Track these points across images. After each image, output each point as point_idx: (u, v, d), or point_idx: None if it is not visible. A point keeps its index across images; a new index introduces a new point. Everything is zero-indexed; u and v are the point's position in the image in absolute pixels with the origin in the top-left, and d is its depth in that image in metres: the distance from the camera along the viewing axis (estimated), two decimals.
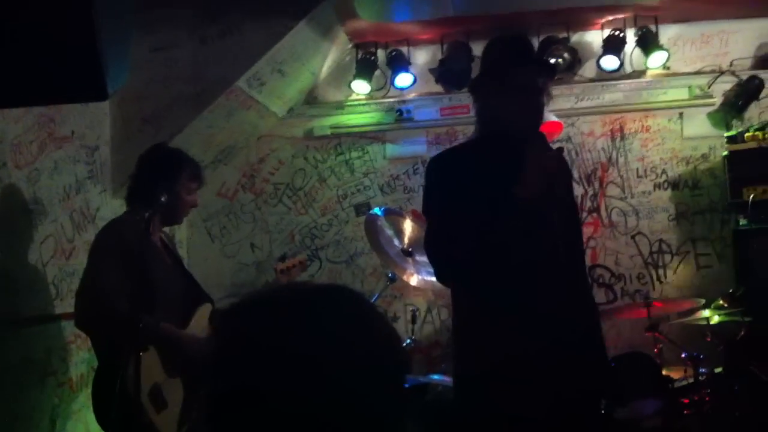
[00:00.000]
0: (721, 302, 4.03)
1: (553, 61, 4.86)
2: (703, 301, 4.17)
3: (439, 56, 5.15)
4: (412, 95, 5.30)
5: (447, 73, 5.12)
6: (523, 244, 2.44)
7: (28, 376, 3.59)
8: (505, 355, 2.44)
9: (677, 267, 5.09)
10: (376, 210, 4.48)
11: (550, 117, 4.54)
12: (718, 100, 5.09)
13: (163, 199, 3.06)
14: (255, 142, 5.36)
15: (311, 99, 5.39)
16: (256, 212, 5.35)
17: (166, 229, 3.52)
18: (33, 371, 3.62)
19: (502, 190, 2.42)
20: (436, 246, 2.58)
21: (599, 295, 4.90)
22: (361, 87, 5.18)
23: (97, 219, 4.15)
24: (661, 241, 5.10)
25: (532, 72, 2.60)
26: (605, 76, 5.12)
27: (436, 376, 4.22)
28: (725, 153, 4.73)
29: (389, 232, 4.31)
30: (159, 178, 3.15)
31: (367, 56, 5.18)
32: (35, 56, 1.82)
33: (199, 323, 3.24)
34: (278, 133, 5.36)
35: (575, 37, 5.11)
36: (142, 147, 3.51)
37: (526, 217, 2.41)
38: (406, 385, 3.49)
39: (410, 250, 4.28)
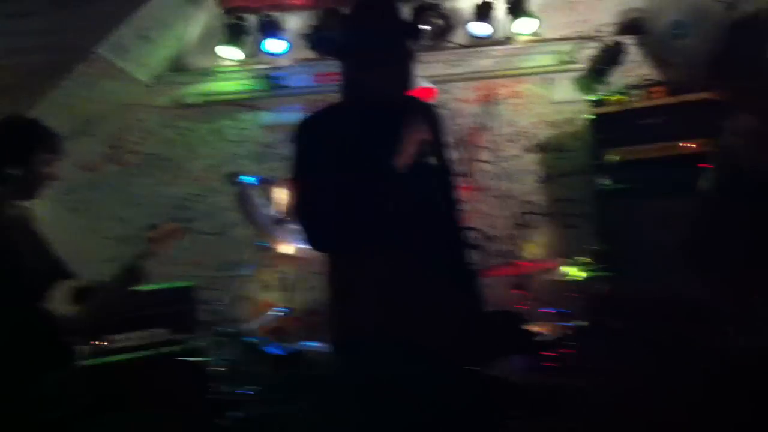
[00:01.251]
0: (585, 260, 4.17)
1: (426, 27, 4.87)
2: (569, 259, 4.30)
3: (313, 22, 5.06)
4: (285, 62, 5.19)
5: (321, 40, 5.04)
6: (400, 210, 2.42)
7: None
8: (381, 319, 2.43)
9: (545, 227, 5.25)
10: (248, 178, 4.38)
11: (423, 83, 4.55)
12: (583, 65, 5.23)
13: (16, 174, 2.89)
14: (121, 111, 5.12)
15: (180, 66, 5.19)
16: (123, 184, 5.13)
17: None
18: None
19: (374, 156, 2.39)
20: (309, 213, 2.52)
21: (472, 257, 4.97)
22: (230, 53, 5.03)
23: None
24: (530, 202, 5.23)
25: (398, 36, 2.56)
26: (477, 42, 5.17)
27: (313, 343, 4.20)
28: (590, 116, 4.87)
29: (261, 200, 4.23)
30: (11, 153, 2.96)
31: (237, 21, 5.03)
32: None
33: (57, 299, 3.09)
34: (145, 101, 5.15)
35: (447, 3, 5.12)
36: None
37: (401, 184, 2.39)
38: (283, 353, 3.42)
39: (283, 218, 4.21)
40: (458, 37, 5.20)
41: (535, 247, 5.18)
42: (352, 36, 2.59)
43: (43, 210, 4.86)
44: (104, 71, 4.64)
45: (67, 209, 5.05)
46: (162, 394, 3.80)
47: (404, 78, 2.54)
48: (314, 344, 4.15)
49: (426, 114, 2.61)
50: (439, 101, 5.11)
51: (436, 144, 2.57)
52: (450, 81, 5.22)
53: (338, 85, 2.59)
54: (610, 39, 5.17)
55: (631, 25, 5.22)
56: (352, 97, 2.58)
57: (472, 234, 5.06)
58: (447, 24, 5.09)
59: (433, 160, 2.52)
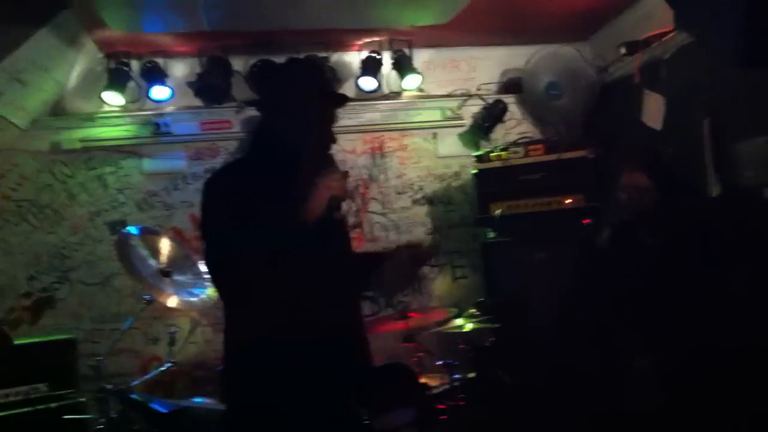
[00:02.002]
0: (472, 311, 4.27)
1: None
2: (456, 310, 4.39)
3: (198, 69, 5.01)
4: (169, 108, 5.10)
5: (206, 88, 4.99)
6: (306, 263, 2.42)
7: None
8: (279, 379, 2.42)
9: (436, 278, 5.35)
10: (130, 228, 4.24)
11: None
12: (467, 121, 5.44)
13: None
14: None
15: (59, 110, 4.99)
16: None
17: None
18: None
19: (288, 210, 2.40)
20: (222, 264, 2.48)
21: (364, 309, 5.00)
22: (113, 99, 4.89)
23: None
24: None
25: (325, 101, 2.64)
26: (365, 96, 5.27)
27: (198, 399, 4.08)
28: (474, 171, 5.04)
29: (144, 252, 4.10)
30: None
31: (120, 66, 4.91)
32: None
33: None
34: (21, 146, 4.91)
35: (335, 57, 5.20)
36: None
37: (311, 237, 2.40)
38: (165, 411, 3.30)
39: (168, 270, 4.10)
40: (347, 90, 5.27)
41: (428, 299, 5.27)
42: (283, 93, 2.62)
43: None
44: None
45: None
46: None
47: (328, 140, 2.63)
48: (201, 400, 4.03)
49: (336, 171, 2.65)
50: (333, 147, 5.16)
51: (341, 200, 2.61)
52: (339, 133, 5.24)
53: (232, 134, 2.60)
54: (492, 97, 5.40)
55: (510, 84, 5.48)
56: (266, 148, 2.58)
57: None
58: (336, 77, 5.17)
59: (337, 215, 2.55)
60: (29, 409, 3.95)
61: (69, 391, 4.15)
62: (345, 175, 2.57)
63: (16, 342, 3.94)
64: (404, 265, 2.72)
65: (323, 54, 5.09)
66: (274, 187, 2.46)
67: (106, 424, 3.76)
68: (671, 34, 4.18)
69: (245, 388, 2.49)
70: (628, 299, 3.41)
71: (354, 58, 5.26)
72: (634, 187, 3.49)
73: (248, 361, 2.48)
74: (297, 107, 2.58)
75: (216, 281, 2.55)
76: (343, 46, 5.23)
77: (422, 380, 4.05)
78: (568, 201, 4.67)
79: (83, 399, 4.17)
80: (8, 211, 4.87)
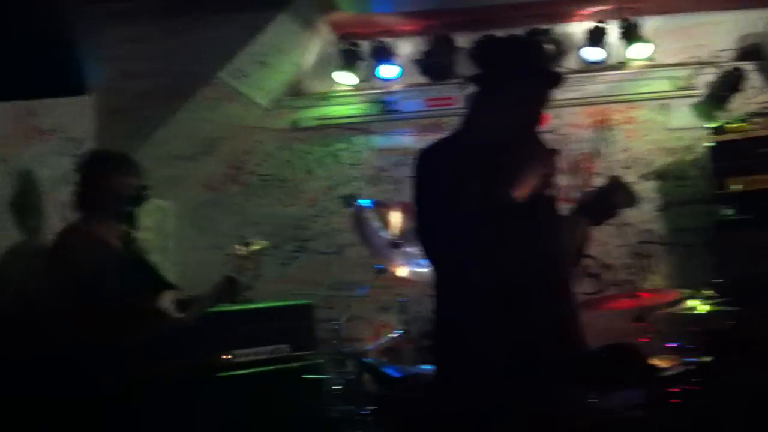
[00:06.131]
0: (707, 292, 4.07)
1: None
2: (689, 291, 4.20)
3: (423, 48, 5.14)
4: (396, 87, 5.29)
5: (431, 65, 5.12)
6: (512, 242, 2.44)
7: None
8: (485, 350, 2.44)
9: (664, 257, 5.15)
10: (364, 201, 4.47)
11: None
12: (701, 91, 5.14)
13: (96, 198, 3.24)
14: (241, 133, 5.31)
15: (296, 90, 5.36)
16: (244, 204, 5.32)
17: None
18: None
19: (494, 188, 2.42)
20: (429, 236, 2.58)
21: (587, 286, 4.94)
22: (345, 78, 5.17)
23: None
24: (648, 231, 5.14)
25: (540, 81, 2.63)
26: (589, 68, 5.15)
27: (427, 366, 4.23)
28: (709, 144, 4.77)
29: (377, 224, 4.30)
30: (90, 183, 3.31)
31: (351, 47, 5.17)
32: (18, 53, 1.81)
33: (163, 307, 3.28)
34: (264, 124, 5.34)
35: (558, 29, 5.11)
36: (124, 139, 3.53)
37: (519, 213, 2.42)
38: (398, 375, 3.48)
39: (399, 241, 4.27)
40: (570, 62, 5.18)
41: (654, 278, 5.09)
42: (495, 71, 2.64)
43: (171, 227, 5.14)
44: (225, 95, 4.85)
45: (193, 226, 5.28)
46: (286, 410, 3.93)
47: (536, 122, 2.61)
48: (429, 367, 4.18)
49: (547, 153, 2.64)
50: (551, 127, 5.11)
51: (551, 181, 2.59)
52: (562, 106, 5.20)
53: (456, 110, 2.65)
54: (729, 65, 5.06)
55: (750, 51, 5.10)
56: (478, 127, 2.62)
57: (588, 262, 5.06)
58: (559, 49, 5.08)
59: (547, 193, 2.54)
60: (274, 367, 4.22)
61: (308, 352, 4.43)
62: (554, 152, 2.56)
63: (261, 305, 4.34)
64: (615, 192, 2.68)
65: (546, 26, 5.03)
66: (482, 163, 2.47)
67: (343, 385, 4.01)
68: None
69: (452, 363, 2.54)
70: None
71: (577, 28, 5.14)
72: None
73: (454, 335, 2.52)
74: (509, 85, 2.56)
75: (425, 252, 2.61)
76: (567, 17, 5.13)
77: (652, 362, 3.93)
78: None
79: (321, 360, 4.44)
80: (254, 185, 5.33)
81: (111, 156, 3.43)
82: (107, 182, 3.27)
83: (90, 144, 4.30)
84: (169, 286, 3.40)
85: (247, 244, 3.67)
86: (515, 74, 2.58)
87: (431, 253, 2.61)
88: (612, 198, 2.70)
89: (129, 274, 3.25)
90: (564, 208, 2.73)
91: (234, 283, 3.42)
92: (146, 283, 3.33)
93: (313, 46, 5.20)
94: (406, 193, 5.22)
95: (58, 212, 3.96)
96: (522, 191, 2.40)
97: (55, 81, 1.81)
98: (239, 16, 4.40)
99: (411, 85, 5.30)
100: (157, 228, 4.98)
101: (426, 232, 2.58)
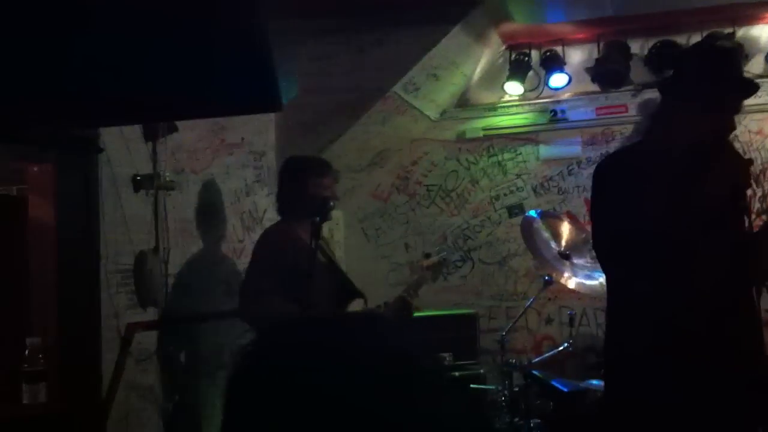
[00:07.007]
0: None
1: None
2: None
3: (595, 55, 5.04)
4: (566, 95, 5.22)
5: (604, 72, 5.01)
6: (702, 259, 2.38)
7: (200, 369, 3.84)
8: (660, 374, 2.39)
9: None
10: (532, 212, 4.46)
11: None
12: None
13: (299, 202, 3.40)
14: (408, 145, 5.46)
15: (463, 102, 5.42)
16: (410, 213, 5.45)
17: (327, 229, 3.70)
18: (205, 365, 3.87)
19: (683, 198, 2.37)
20: (608, 251, 2.55)
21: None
22: (514, 88, 5.17)
23: (264, 220, 4.38)
24: None
25: (737, 89, 2.56)
26: None
27: (594, 382, 4.15)
28: None
29: (546, 234, 4.28)
30: (289, 186, 3.51)
31: (521, 57, 5.16)
32: (215, 70, 1.96)
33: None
34: (431, 136, 5.44)
35: (741, 32, 4.85)
36: (304, 152, 3.75)
37: (707, 226, 2.35)
38: (566, 390, 3.44)
39: (567, 252, 4.23)
40: (755, 66, 4.89)
41: None
42: (690, 79, 2.58)
43: (341, 235, 5.36)
44: (396, 108, 5.00)
45: (362, 235, 5.48)
46: (450, 419, 3.97)
47: (728, 130, 2.56)
48: (597, 382, 4.10)
49: (743, 162, 2.54)
50: (733, 133, 4.84)
51: (744, 192, 2.48)
52: (745, 112, 4.91)
53: (628, 119, 2.60)
54: None
55: None
56: (667, 136, 2.56)
57: None
58: (742, 54, 4.82)
59: (740, 205, 2.44)
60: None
61: (471, 362, 4.48)
62: (749, 162, 2.47)
63: (425, 313, 4.41)
64: None
65: (728, 29, 4.79)
66: (668, 175, 2.41)
67: (508, 396, 4.01)
68: None
69: (623, 381, 2.49)
70: None
71: (763, 31, 4.85)
72: None
73: (629, 352, 2.47)
74: (707, 95, 2.49)
75: (606, 266, 2.59)
76: (752, 20, 4.85)
77: None
78: None
79: (482, 370, 4.48)
80: (420, 195, 5.44)
81: (305, 160, 3.64)
82: (307, 184, 3.45)
83: (271, 156, 4.60)
84: (358, 294, 3.54)
85: (429, 256, 3.79)
86: (712, 82, 2.52)
87: (613, 267, 2.58)
88: None
89: (325, 276, 3.41)
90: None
91: (407, 304, 3.52)
92: (339, 288, 3.49)
93: (483, 58, 5.24)
94: (573, 203, 5.22)
95: (242, 222, 4.28)
96: (716, 202, 2.35)
97: (254, 98, 1.95)
98: (416, 30, 4.54)
99: (580, 94, 5.22)
100: (328, 237, 5.22)
101: (610, 244, 2.55)
